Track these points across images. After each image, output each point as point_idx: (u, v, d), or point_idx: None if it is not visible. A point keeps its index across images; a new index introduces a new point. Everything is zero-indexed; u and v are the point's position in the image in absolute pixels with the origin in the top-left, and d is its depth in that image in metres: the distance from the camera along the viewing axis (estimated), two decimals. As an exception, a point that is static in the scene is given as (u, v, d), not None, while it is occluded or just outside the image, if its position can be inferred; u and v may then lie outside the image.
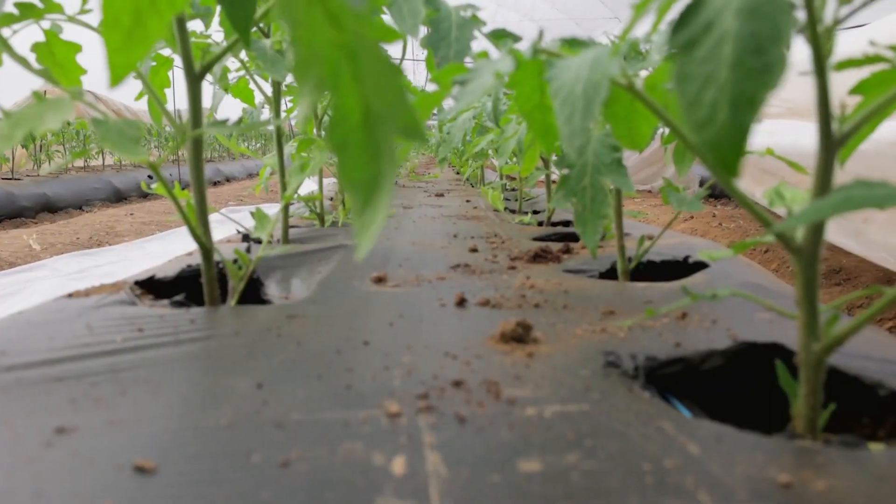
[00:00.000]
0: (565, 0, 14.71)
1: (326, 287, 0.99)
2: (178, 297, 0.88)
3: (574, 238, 1.70)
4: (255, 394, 0.57)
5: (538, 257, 1.28)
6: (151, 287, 0.98)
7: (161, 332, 0.72)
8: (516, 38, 0.90)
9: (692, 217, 4.50)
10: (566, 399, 0.57)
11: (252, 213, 1.08)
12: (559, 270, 1.20)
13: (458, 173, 5.40)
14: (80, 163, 8.52)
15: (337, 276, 1.06)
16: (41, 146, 8.40)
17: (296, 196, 1.69)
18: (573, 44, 0.55)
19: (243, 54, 1.27)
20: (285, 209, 1.33)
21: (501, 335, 0.75)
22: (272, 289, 1.03)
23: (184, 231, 4.57)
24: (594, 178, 0.86)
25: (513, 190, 3.36)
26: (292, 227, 1.79)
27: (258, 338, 0.73)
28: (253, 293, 1.02)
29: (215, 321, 0.77)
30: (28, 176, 7.09)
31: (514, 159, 2.87)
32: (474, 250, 1.42)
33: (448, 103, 1.92)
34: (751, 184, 2.89)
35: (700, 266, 1.19)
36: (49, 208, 6.45)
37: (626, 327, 0.81)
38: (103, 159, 8.74)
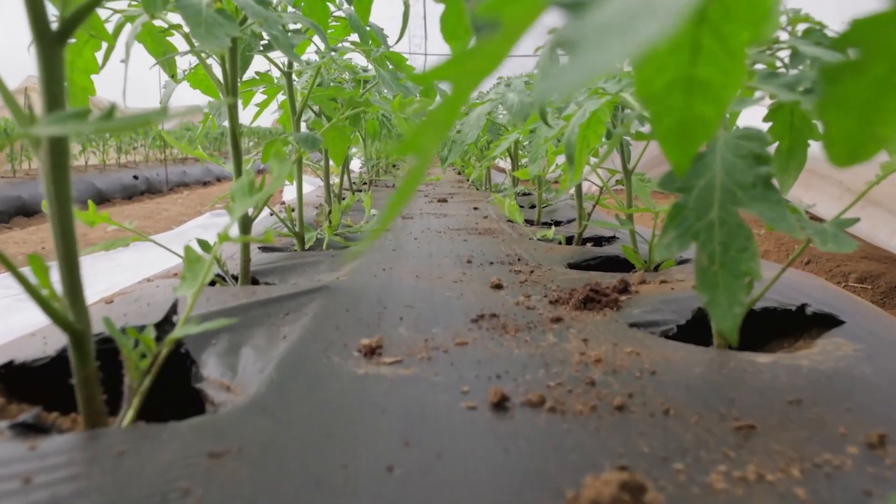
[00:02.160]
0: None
1: (290, 369, 0.64)
2: (26, 418, 0.52)
3: (620, 265, 1.36)
4: None
5: (590, 301, 0.94)
6: (10, 378, 0.63)
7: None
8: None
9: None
10: None
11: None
12: (624, 325, 0.85)
13: (459, 174, 5.05)
14: (61, 162, 8.13)
15: (309, 343, 0.71)
16: (21, 146, 8.00)
17: (278, 210, 1.34)
18: None
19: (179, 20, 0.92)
20: (244, 246, 0.98)
21: (593, 506, 0.41)
22: (210, 369, 0.68)
23: (162, 240, 4.21)
24: (726, 208, 0.52)
25: (525, 195, 3.02)
26: (264, 248, 1.44)
27: (137, 525, 0.38)
28: (178, 378, 0.67)
29: (75, 478, 0.43)
30: (3, 178, 6.72)
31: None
32: (498, 286, 1.08)
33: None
34: (798, 190, 2.55)
35: (825, 320, 0.85)
36: (25, 212, 6.08)
37: (800, 475, 0.46)
38: (86, 159, 8.36)
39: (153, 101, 7.22)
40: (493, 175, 4.12)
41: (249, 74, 1.46)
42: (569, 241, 1.66)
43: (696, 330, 0.87)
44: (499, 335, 0.80)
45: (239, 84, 1.48)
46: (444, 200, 2.87)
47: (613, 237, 1.68)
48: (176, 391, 0.68)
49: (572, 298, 0.96)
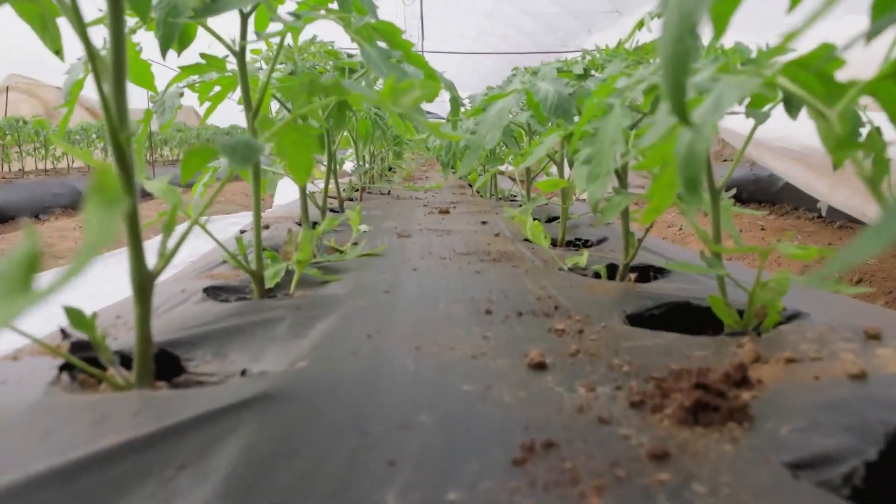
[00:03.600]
0: (564, -7, 14.00)
1: None
2: None
3: (696, 316, 0.99)
4: None
5: (702, 410, 0.58)
6: None
7: None
8: None
9: (740, 230, 3.79)
10: None
11: None
12: (779, 468, 0.49)
13: (460, 179, 4.69)
14: (43, 165, 7.76)
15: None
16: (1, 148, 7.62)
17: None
18: None
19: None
20: (141, 314, 0.61)
21: None
22: None
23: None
24: None
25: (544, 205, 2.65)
26: (213, 290, 1.07)
27: None
28: None
29: None
30: (-25, 181, 6.35)
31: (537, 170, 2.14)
32: (540, 366, 0.72)
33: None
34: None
35: None
36: (-2, 218, 5.71)
37: None
38: (69, 161, 7.97)
39: (142, 101, 6.87)
40: (498, 180, 3.75)
41: (194, 57, 1.10)
42: (610, 272, 1.30)
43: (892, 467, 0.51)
44: (571, 506, 0.44)
45: (177, 66, 1.12)
46: (447, 212, 2.51)
47: (664, 268, 1.31)
48: None
49: (668, 400, 0.60)
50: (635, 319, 0.96)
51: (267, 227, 1.86)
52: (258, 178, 0.98)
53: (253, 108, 0.98)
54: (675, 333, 0.85)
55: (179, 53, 1.05)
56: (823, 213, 4.24)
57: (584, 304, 1.01)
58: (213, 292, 1.06)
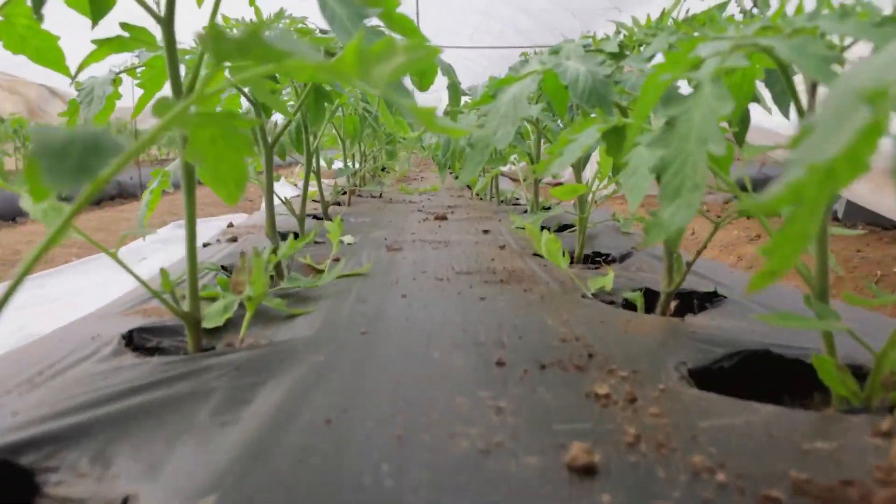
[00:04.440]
0: (563, -11, 13.76)
1: None
2: None
3: (779, 370, 0.74)
4: None
5: None
6: None
7: None
8: None
9: (758, 236, 3.54)
10: None
11: None
12: None
13: (457, 178, 4.44)
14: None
15: None
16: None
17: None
18: None
19: None
20: None
21: None
22: None
23: (109, 259, 3.54)
24: None
25: (547, 209, 2.40)
26: (140, 331, 0.82)
27: None
28: None
29: None
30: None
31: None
32: (587, 471, 0.47)
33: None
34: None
35: None
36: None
37: None
38: (51, 162, 7.69)
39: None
40: (499, 181, 3.50)
41: (112, 28, 0.85)
42: (648, 302, 1.05)
43: None
44: None
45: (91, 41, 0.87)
46: (444, 218, 2.25)
47: (714, 293, 1.07)
48: None
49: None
50: (702, 377, 0.71)
51: (234, 239, 1.60)
52: (191, 183, 0.73)
53: (184, 94, 0.73)
54: (769, 405, 0.60)
55: (95, 24, 0.80)
56: (840, 215, 4.02)
57: (626, 351, 0.77)
58: (139, 337, 0.80)
